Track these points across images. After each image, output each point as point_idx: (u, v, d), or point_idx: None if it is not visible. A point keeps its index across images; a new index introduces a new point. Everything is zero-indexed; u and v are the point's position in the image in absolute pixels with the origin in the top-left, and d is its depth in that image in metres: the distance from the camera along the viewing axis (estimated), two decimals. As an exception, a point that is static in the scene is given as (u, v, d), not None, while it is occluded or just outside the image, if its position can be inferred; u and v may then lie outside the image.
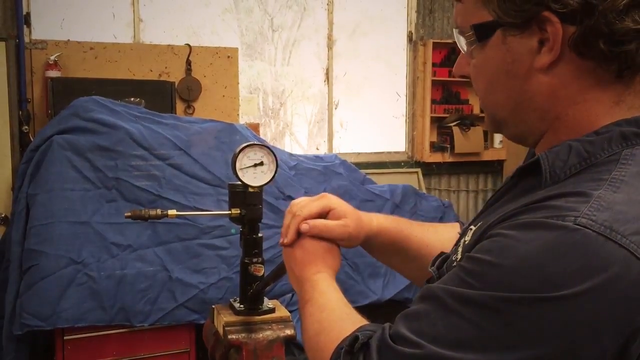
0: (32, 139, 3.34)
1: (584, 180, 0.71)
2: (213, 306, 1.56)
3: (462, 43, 0.84)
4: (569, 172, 0.73)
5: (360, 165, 4.28)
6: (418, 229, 1.16)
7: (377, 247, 1.13)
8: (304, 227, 1.05)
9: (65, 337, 2.82)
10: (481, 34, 0.79)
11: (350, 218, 1.08)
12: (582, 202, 0.67)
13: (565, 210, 0.66)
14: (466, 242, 0.81)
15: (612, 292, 0.62)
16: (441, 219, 3.93)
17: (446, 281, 0.72)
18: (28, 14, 3.84)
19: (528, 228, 0.67)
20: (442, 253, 0.93)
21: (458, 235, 0.91)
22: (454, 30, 0.85)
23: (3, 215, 3.37)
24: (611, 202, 0.67)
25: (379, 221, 1.13)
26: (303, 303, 0.97)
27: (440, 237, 1.10)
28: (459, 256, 0.82)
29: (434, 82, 4.96)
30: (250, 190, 1.48)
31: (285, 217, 1.11)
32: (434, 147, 5.00)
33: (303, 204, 1.08)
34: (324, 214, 1.07)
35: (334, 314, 0.91)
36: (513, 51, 0.77)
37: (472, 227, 0.83)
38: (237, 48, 4.36)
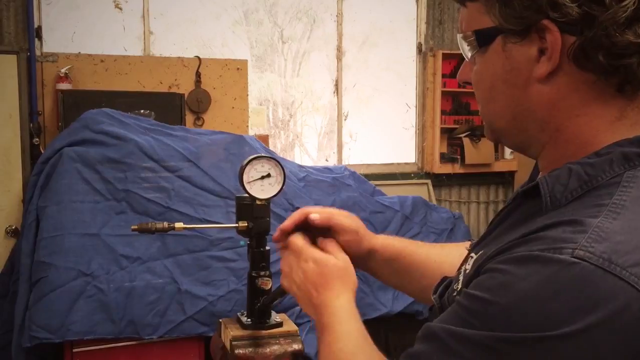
0: (42, 151, 3.35)
1: (584, 206, 0.69)
2: (220, 320, 1.55)
3: (464, 48, 0.83)
4: (570, 196, 0.71)
5: (370, 177, 4.26)
6: (424, 246, 1.14)
7: (381, 264, 1.12)
8: (314, 215, 1.05)
9: (74, 350, 2.82)
10: (482, 39, 0.79)
11: (354, 221, 1.08)
12: (580, 232, 0.64)
13: (562, 242, 0.64)
14: (467, 271, 0.80)
15: (614, 327, 0.60)
16: (452, 231, 3.91)
17: (446, 319, 0.70)
18: (39, 27, 3.87)
19: (524, 263, 0.65)
20: (445, 278, 0.91)
21: (466, 252, 0.89)
22: (457, 35, 0.85)
23: (13, 227, 3.38)
24: (610, 232, 0.64)
25: (382, 237, 1.13)
26: (321, 328, 0.95)
27: (447, 255, 1.08)
28: (460, 285, 0.80)
29: (443, 93, 4.94)
30: (258, 202, 1.47)
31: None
32: (444, 158, 4.97)
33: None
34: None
35: (349, 347, 0.89)
36: (512, 59, 0.76)
37: (473, 254, 0.82)
38: (246, 60, 4.37)
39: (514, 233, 0.72)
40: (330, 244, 1.06)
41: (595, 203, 0.68)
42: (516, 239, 0.70)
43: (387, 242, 1.13)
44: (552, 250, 0.63)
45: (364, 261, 1.10)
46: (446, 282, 0.89)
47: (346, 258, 1.04)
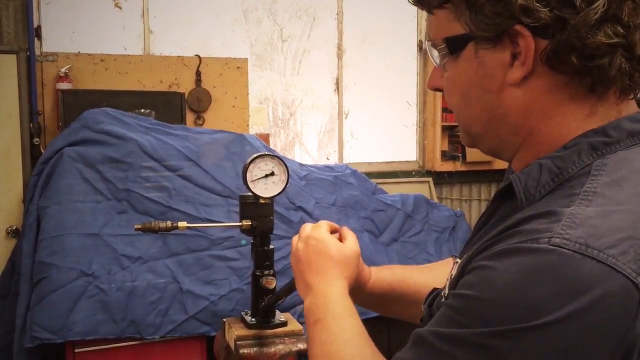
0: (43, 151, 3.34)
1: (558, 198, 0.70)
2: (224, 319, 1.54)
3: (434, 56, 0.83)
4: (543, 190, 0.73)
5: (371, 175, 4.25)
6: (413, 272, 1.14)
7: (376, 297, 1.11)
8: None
9: (76, 350, 2.81)
10: (453, 46, 0.78)
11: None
12: (554, 222, 0.65)
13: (538, 233, 0.65)
14: (452, 277, 0.81)
15: (598, 310, 0.61)
16: (453, 229, 3.90)
17: (433, 323, 0.70)
18: (39, 26, 3.86)
19: (504, 256, 0.66)
20: (434, 289, 0.92)
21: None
22: (426, 42, 0.85)
23: (14, 228, 3.36)
24: (584, 218, 0.65)
25: (373, 271, 1.11)
26: (312, 320, 0.92)
27: (437, 275, 1.08)
28: (446, 291, 0.81)
29: (444, 91, 4.93)
30: (262, 201, 1.46)
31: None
32: (445, 156, 4.96)
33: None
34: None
35: (345, 350, 0.86)
36: (485, 65, 0.76)
37: (457, 260, 0.83)
38: (246, 59, 4.36)
39: (494, 231, 0.73)
40: (349, 233, 1.06)
41: (567, 193, 0.70)
42: (494, 236, 0.71)
43: (377, 277, 1.11)
44: (530, 242, 0.65)
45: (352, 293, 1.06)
46: (435, 292, 0.90)
47: (356, 250, 1.03)
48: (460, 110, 0.83)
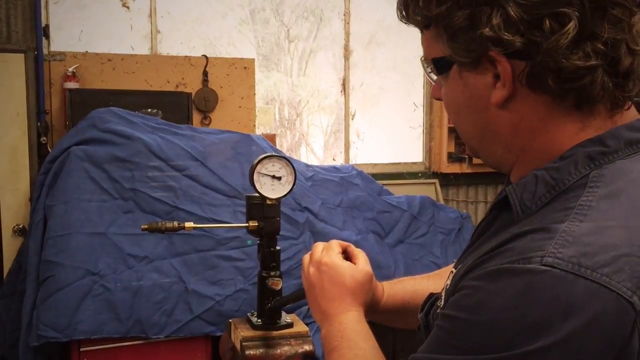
0: (50, 150, 3.35)
1: (554, 211, 0.69)
2: (230, 320, 1.54)
3: (428, 72, 0.83)
4: (539, 202, 0.71)
5: (377, 176, 4.24)
6: (423, 282, 1.14)
7: (390, 313, 1.11)
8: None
9: (81, 349, 2.81)
10: (439, 67, 0.79)
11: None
12: (547, 239, 0.64)
13: (530, 251, 0.64)
14: (448, 287, 0.80)
15: (593, 331, 0.60)
16: (459, 231, 3.89)
17: (430, 348, 0.69)
18: (47, 26, 3.87)
19: (496, 277, 0.65)
20: (431, 295, 0.91)
21: None
22: (420, 58, 0.85)
23: (21, 226, 3.38)
24: (577, 235, 0.64)
25: (385, 287, 1.11)
26: (329, 348, 0.93)
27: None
28: (443, 302, 0.80)
29: (451, 92, 4.92)
30: (268, 202, 1.46)
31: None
32: (452, 158, 4.95)
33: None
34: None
35: None
36: (470, 86, 0.76)
37: (453, 270, 0.82)
38: (253, 59, 4.36)
39: (489, 245, 0.72)
40: (360, 253, 1.06)
41: (563, 206, 0.68)
42: (488, 252, 0.70)
43: (390, 294, 1.11)
44: (522, 261, 0.63)
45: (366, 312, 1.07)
46: (432, 300, 0.89)
47: (367, 271, 1.03)
48: (456, 126, 0.84)
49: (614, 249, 0.63)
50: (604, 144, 0.72)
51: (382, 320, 1.13)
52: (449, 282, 0.81)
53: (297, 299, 1.19)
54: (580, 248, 0.63)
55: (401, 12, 0.80)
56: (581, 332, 0.60)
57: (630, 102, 0.75)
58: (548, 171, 0.72)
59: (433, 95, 0.88)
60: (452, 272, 0.82)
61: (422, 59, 0.83)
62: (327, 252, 1.03)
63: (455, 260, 0.91)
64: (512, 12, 0.67)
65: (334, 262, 1.01)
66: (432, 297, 0.90)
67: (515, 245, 0.66)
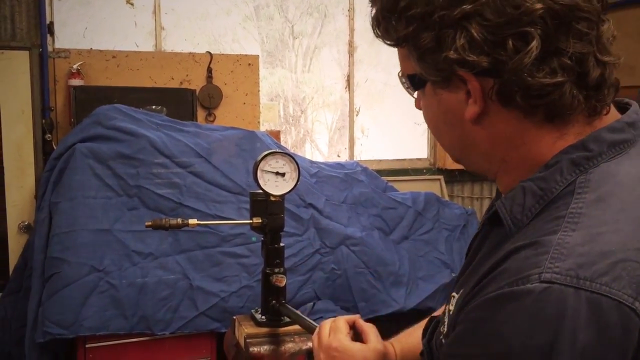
0: (55, 147, 3.35)
1: (544, 221, 0.68)
2: (234, 317, 1.54)
3: (405, 86, 0.84)
4: (529, 214, 0.71)
5: (382, 173, 4.24)
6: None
7: None
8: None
9: (87, 345, 2.82)
10: (414, 84, 0.80)
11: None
12: (542, 254, 0.64)
13: (527, 270, 0.63)
14: (451, 312, 0.79)
15: (603, 343, 0.60)
16: (464, 227, 3.88)
17: None
18: (51, 23, 3.87)
19: (498, 304, 0.64)
20: (432, 319, 0.91)
21: None
22: (397, 73, 0.85)
23: (26, 223, 3.39)
24: (571, 246, 0.63)
25: (397, 347, 1.10)
26: None
27: None
28: (445, 329, 0.80)
29: (456, 88, 4.90)
30: (272, 199, 1.45)
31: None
32: (457, 154, 4.93)
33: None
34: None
35: None
36: (444, 102, 0.76)
37: (454, 294, 0.81)
38: (257, 55, 4.35)
39: (485, 266, 0.71)
40: (369, 329, 1.06)
41: (554, 216, 0.68)
42: (484, 275, 0.69)
43: (402, 351, 1.10)
44: (520, 282, 0.63)
45: None
46: (433, 324, 0.88)
47: (377, 347, 1.03)
48: (437, 138, 0.85)
49: (610, 256, 0.62)
50: (587, 148, 0.71)
51: None
52: (451, 307, 0.80)
53: (303, 327, 1.19)
54: (576, 259, 0.62)
55: (374, 30, 0.81)
56: (593, 346, 0.59)
57: (608, 107, 0.74)
58: (534, 182, 0.72)
59: (416, 106, 0.88)
60: (452, 296, 0.81)
61: (399, 74, 0.84)
62: (335, 335, 1.03)
63: (455, 275, 0.90)
64: (475, 34, 0.68)
65: (343, 346, 1.01)
66: (434, 321, 0.89)
67: (511, 265, 0.66)
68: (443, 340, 0.77)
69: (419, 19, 0.72)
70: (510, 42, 0.67)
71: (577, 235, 0.64)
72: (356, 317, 1.08)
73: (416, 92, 0.83)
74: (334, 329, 1.05)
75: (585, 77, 0.69)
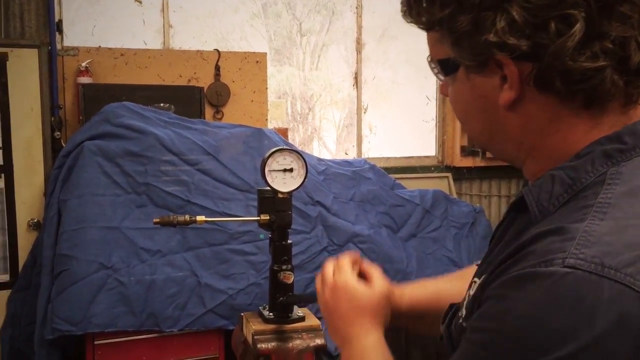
0: (64, 145, 3.37)
1: (572, 210, 0.67)
2: (242, 314, 1.54)
3: (434, 71, 0.83)
4: (557, 202, 0.70)
5: (390, 170, 4.23)
6: (446, 285, 1.13)
7: (414, 318, 1.10)
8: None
9: (95, 342, 2.84)
10: (446, 69, 0.78)
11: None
12: (568, 240, 0.63)
13: (551, 253, 0.62)
14: (471, 296, 0.79)
15: (620, 333, 0.59)
16: (473, 225, 3.87)
17: None
18: (60, 21, 3.89)
19: (519, 283, 0.63)
20: (452, 305, 0.90)
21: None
22: (427, 58, 0.83)
23: (36, 221, 3.40)
24: (598, 234, 0.63)
25: (407, 292, 1.10)
26: None
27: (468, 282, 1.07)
28: (464, 312, 0.80)
29: (464, 86, 4.88)
30: (280, 196, 1.45)
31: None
32: (465, 152, 4.91)
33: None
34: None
35: None
36: (478, 88, 0.75)
37: (476, 279, 0.80)
38: (265, 53, 4.36)
39: (509, 249, 0.71)
40: (374, 271, 1.05)
41: (582, 205, 0.67)
42: (509, 256, 0.68)
43: (411, 299, 1.10)
44: (544, 264, 0.62)
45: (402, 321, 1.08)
46: (453, 310, 0.88)
47: (383, 290, 1.02)
48: (464, 124, 0.83)
49: (636, 248, 0.62)
50: (621, 140, 0.70)
51: (404, 325, 1.12)
52: (471, 292, 0.80)
53: (310, 302, 1.19)
54: (603, 248, 0.61)
55: (404, 13, 0.80)
56: (609, 335, 0.59)
57: None
58: (565, 170, 0.71)
59: (441, 92, 0.87)
60: (474, 281, 0.81)
61: (429, 58, 0.82)
62: (339, 273, 1.02)
63: (477, 265, 0.90)
64: (516, 16, 0.66)
65: (348, 284, 1.01)
66: (453, 308, 0.89)
67: (536, 247, 0.65)
68: (463, 324, 0.77)
69: (455, 1, 0.70)
70: (552, 25, 0.65)
71: (604, 225, 0.64)
72: (357, 254, 1.07)
73: (445, 78, 0.82)
74: (338, 267, 1.03)
75: (627, 61, 0.68)
